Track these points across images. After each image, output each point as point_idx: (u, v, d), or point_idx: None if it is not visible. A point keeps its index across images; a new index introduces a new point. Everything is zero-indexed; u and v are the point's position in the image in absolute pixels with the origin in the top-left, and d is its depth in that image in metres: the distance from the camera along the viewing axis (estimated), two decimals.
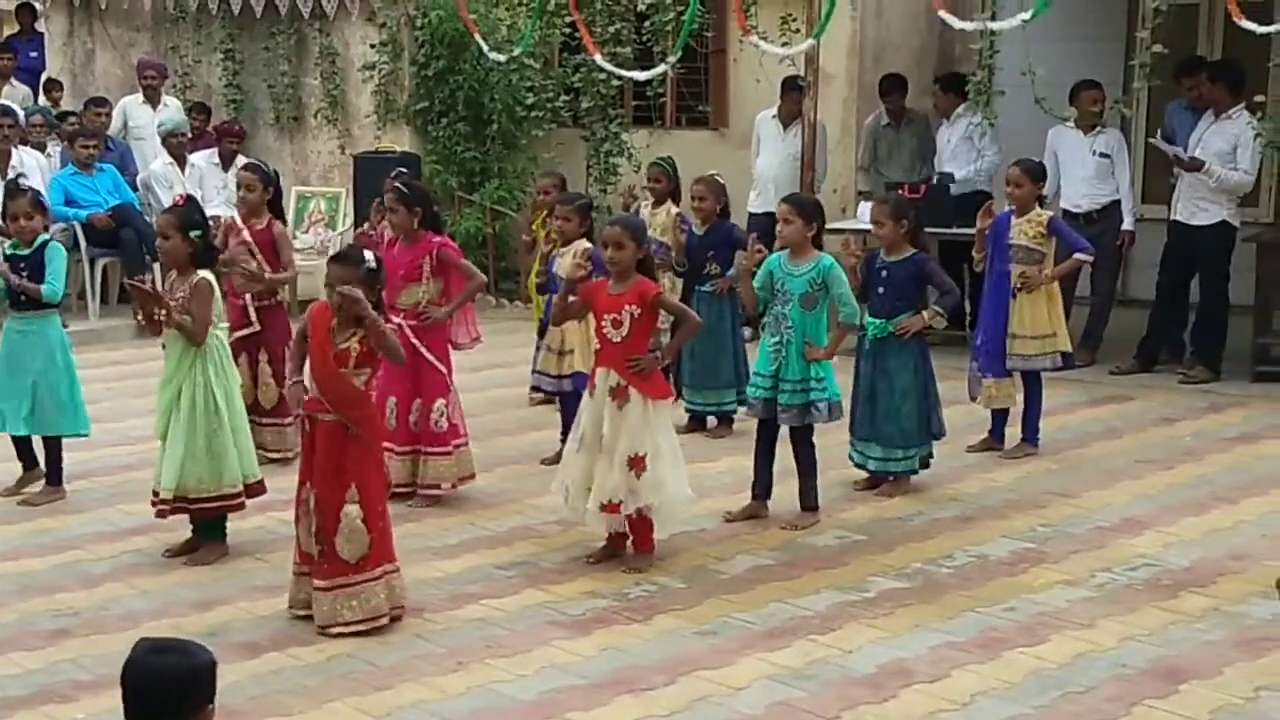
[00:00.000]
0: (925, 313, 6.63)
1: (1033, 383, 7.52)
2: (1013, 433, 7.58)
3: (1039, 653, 4.97)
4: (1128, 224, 9.60)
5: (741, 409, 7.64)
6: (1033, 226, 7.36)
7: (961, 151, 10.31)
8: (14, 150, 10.56)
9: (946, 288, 6.73)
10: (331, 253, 6.07)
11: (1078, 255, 7.38)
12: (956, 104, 10.34)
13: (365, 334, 5.04)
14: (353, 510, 5.04)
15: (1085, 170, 9.55)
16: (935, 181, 10.06)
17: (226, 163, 11.33)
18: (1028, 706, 4.55)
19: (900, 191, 8.90)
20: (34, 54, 14.29)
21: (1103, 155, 9.54)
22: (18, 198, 6.67)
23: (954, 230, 9.77)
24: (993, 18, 8.97)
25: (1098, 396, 8.86)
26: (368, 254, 5.19)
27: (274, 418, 7.19)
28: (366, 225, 8.02)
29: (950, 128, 10.46)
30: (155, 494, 5.83)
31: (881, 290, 6.64)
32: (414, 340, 6.51)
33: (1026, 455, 7.48)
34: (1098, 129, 9.55)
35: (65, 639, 5.05)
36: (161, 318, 5.66)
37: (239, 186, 7.41)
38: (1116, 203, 9.57)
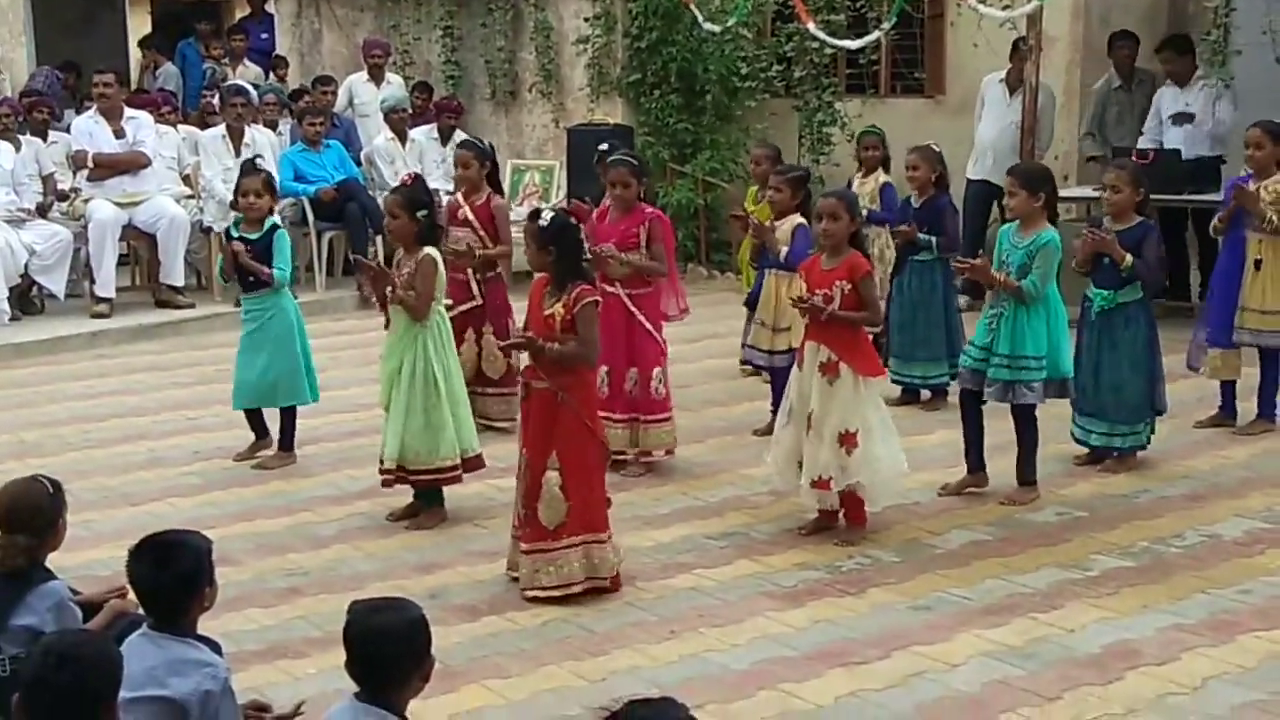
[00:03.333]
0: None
1: (1271, 356, 7.16)
2: (1247, 407, 7.24)
3: (1275, 636, 4.75)
4: None
5: (954, 381, 7.50)
6: (1270, 192, 7.00)
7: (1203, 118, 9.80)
8: (247, 128, 10.99)
9: (1153, 264, 6.41)
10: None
11: None
12: (1192, 68, 9.81)
13: (569, 301, 5.09)
14: (552, 476, 5.11)
15: None
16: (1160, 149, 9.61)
17: (445, 137, 11.59)
18: (1264, 693, 4.36)
19: (1133, 158, 8.55)
20: (264, 35, 14.87)
21: None
22: (251, 175, 6.93)
23: (1184, 197, 9.37)
24: None
25: None
26: (546, 212, 5.26)
27: (500, 387, 7.33)
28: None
29: (1185, 93, 9.91)
30: (381, 461, 6.01)
31: (1107, 261, 6.39)
32: (631, 308, 6.57)
33: (1264, 431, 7.13)
34: None
35: (297, 597, 5.26)
36: (389, 296, 5.84)
37: (456, 165, 7.56)
38: None
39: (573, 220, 5.38)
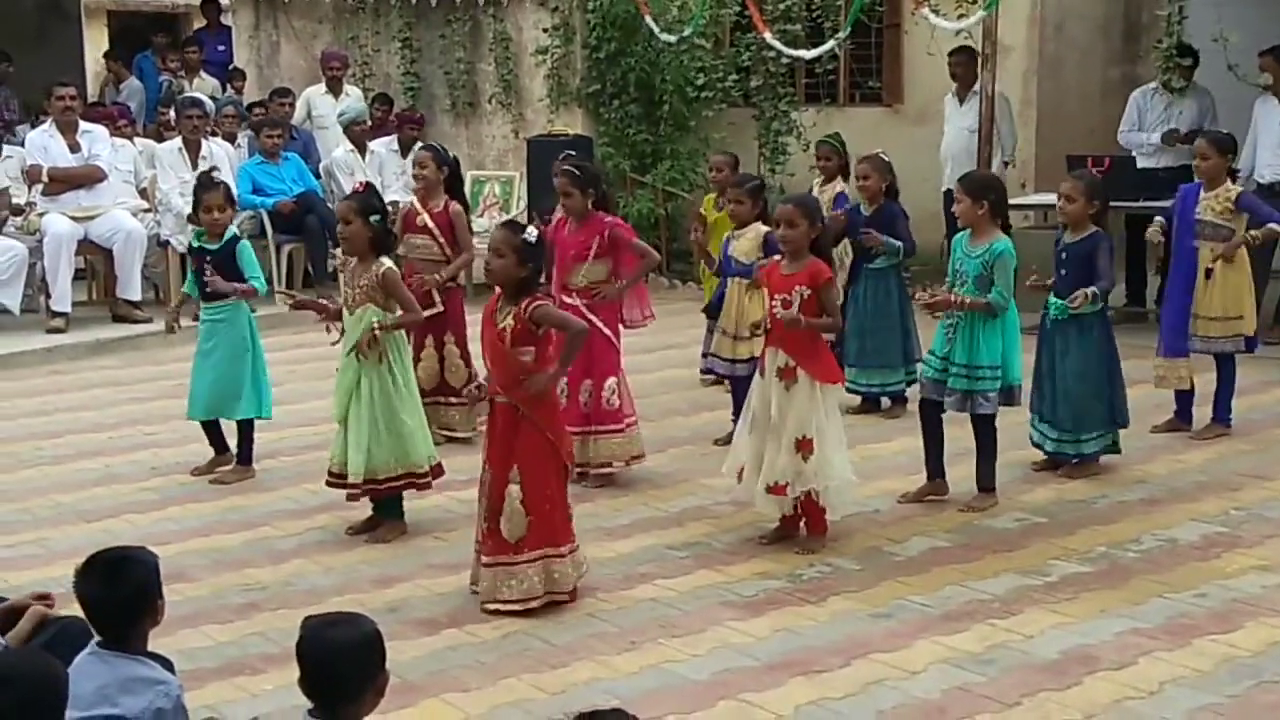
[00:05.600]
0: (1085, 291, 6.33)
1: (1225, 361, 7.24)
2: (1203, 413, 7.30)
3: (1232, 640, 4.78)
4: None
5: (911, 388, 7.54)
6: (1220, 202, 7.07)
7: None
8: (204, 141, 10.93)
9: (1104, 274, 6.43)
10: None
11: (1270, 225, 7.06)
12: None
13: (519, 311, 5.07)
14: (514, 490, 5.08)
15: (1274, 138, 9.10)
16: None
17: (405, 149, 11.55)
18: (1220, 696, 4.38)
19: (1089, 167, 8.60)
20: (221, 47, 14.81)
21: None
22: (211, 190, 6.88)
23: (1139, 204, 9.45)
24: None
25: None
26: (531, 229, 5.24)
27: (462, 397, 7.27)
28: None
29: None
30: (331, 473, 5.97)
31: (1063, 272, 6.44)
32: (590, 317, 6.55)
33: (1218, 436, 7.20)
34: None
35: (254, 613, 5.21)
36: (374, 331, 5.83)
37: (414, 165, 7.51)
38: None
39: None
